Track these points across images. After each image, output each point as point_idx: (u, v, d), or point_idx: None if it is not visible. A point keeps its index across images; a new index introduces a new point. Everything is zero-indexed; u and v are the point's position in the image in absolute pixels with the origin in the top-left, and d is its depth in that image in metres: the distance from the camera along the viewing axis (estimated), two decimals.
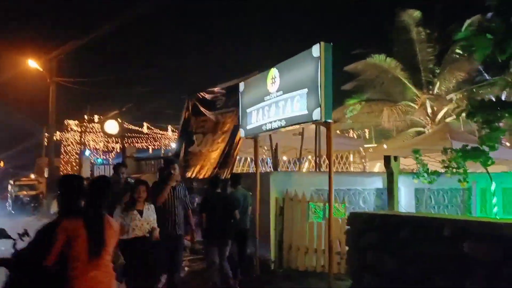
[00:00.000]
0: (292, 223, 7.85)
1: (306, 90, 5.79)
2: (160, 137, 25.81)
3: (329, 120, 5.56)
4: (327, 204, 7.82)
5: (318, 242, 7.83)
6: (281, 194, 7.96)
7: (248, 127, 7.51)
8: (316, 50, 5.61)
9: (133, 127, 22.87)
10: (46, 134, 24.99)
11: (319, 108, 5.49)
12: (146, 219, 5.13)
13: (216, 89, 11.01)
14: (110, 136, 20.08)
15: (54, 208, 19.02)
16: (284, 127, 6.39)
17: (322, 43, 5.54)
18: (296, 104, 6.01)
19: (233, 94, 10.20)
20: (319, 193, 8.17)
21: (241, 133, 7.83)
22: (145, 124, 24.30)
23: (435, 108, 20.52)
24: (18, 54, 20.47)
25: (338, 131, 14.72)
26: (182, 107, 12.03)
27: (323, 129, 9.62)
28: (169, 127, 24.90)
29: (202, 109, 11.30)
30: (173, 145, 29.46)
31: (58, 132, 23.51)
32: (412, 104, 20.61)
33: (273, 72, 6.69)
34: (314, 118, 5.60)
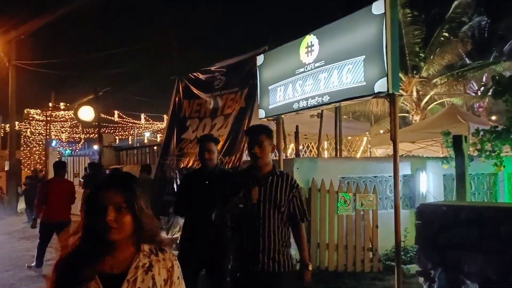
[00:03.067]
0: (320, 216, 6.87)
1: (363, 57, 4.77)
2: (131, 127, 24.22)
3: (397, 92, 4.57)
4: (357, 195, 6.98)
5: (349, 238, 6.92)
6: (306, 183, 6.95)
7: (271, 106, 6.43)
8: (378, 6, 4.58)
9: (104, 116, 21.18)
10: (4, 124, 22.90)
11: (384, 78, 4.48)
12: None
13: (212, 68, 9.80)
14: (84, 124, 18.44)
15: (21, 206, 17.22)
16: (328, 103, 5.36)
17: None
18: (347, 75, 4.98)
19: (236, 72, 9.07)
20: (345, 182, 7.24)
21: (260, 114, 6.74)
22: (116, 112, 22.67)
23: (420, 93, 20.07)
24: None
25: (345, 116, 13.85)
26: (162, 91, 10.79)
27: (343, 109, 8.75)
28: (142, 116, 23.36)
29: (196, 91, 10.07)
30: (147, 134, 28.06)
31: (17, 122, 21.46)
32: None
33: (309, 39, 5.62)
34: (376, 90, 4.59)
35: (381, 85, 4.52)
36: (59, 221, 7.09)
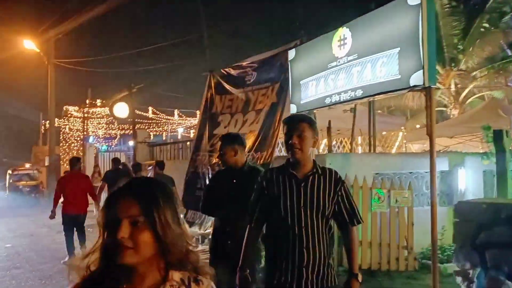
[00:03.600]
0: None
1: (397, 49, 4.62)
2: (164, 122, 24.57)
3: (433, 85, 4.40)
4: (392, 191, 6.81)
5: (383, 235, 6.76)
6: None
7: (303, 101, 6.35)
8: None
9: (138, 112, 21.58)
10: (44, 121, 23.67)
11: (420, 71, 4.32)
12: None
13: (244, 64, 9.77)
14: (120, 120, 18.87)
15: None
16: (361, 98, 5.23)
17: None
18: (381, 69, 4.84)
19: (268, 67, 8.99)
20: (379, 178, 7.07)
21: (292, 109, 6.67)
22: (150, 108, 23.05)
23: (459, 86, 19.41)
24: (12, 34, 19.00)
25: (379, 111, 13.54)
26: (195, 87, 10.83)
27: (377, 104, 8.54)
28: (176, 111, 23.65)
29: (227, 86, 10.07)
30: (180, 130, 28.36)
31: (56, 119, 22.15)
32: None
33: (342, 32, 5.50)
34: (412, 84, 4.44)
35: (416, 78, 4.37)
36: (76, 215, 7.52)
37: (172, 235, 1.24)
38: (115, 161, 10.95)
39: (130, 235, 1.20)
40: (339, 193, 2.64)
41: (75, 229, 7.62)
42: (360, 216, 2.73)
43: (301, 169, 2.61)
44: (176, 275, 1.27)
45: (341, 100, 5.52)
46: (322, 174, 2.64)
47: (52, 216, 7.85)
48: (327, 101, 5.78)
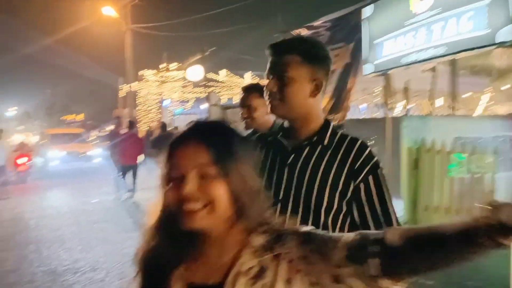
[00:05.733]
0: (430, 178, 6.48)
1: (486, 1, 4.24)
2: (236, 85, 24.84)
3: None
4: (472, 156, 6.43)
5: (462, 201, 6.45)
6: (415, 143, 6.56)
7: (378, 61, 6.09)
8: None
9: (211, 75, 21.94)
10: (122, 85, 24.83)
11: (510, 26, 3.96)
12: None
13: (316, 24, 9.52)
14: (193, 83, 19.36)
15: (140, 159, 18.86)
16: (442, 56, 4.92)
17: None
18: (467, 24, 4.49)
19: (341, 27, 8.71)
20: (460, 142, 6.69)
21: (366, 69, 6.44)
22: (222, 71, 23.34)
23: None
24: (93, 1, 19.93)
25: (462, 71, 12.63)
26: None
27: (460, 64, 7.98)
28: (248, 74, 23.76)
29: None
30: None
31: (134, 83, 23.18)
32: None
33: None
34: (499, 40, 4.08)
35: (506, 33, 4.00)
36: (128, 165, 9.69)
37: (250, 191, 0.97)
38: (163, 126, 11.43)
39: (198, 190, 0.93)
40: (361, 184, 1.44)
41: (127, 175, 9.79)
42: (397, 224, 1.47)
43: (294, 134, 1.54)
44: (257, 240, 0.99)
45: (420, 59, 5.23)
46: (331, 144, 1.48)
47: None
48: (404, 60, 5.50)
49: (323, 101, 5.76)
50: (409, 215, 6.56)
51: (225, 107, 15.52)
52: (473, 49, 4.50)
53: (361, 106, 13.30)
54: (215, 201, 0.93)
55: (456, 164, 6.43)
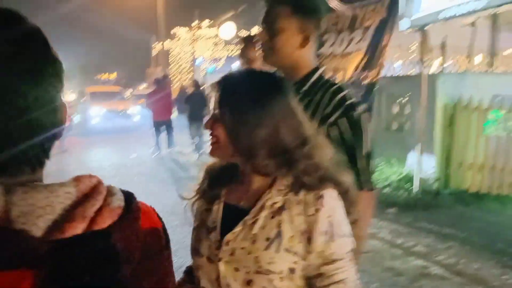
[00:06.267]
0: (465, 136, 6.45)
1: None
2: None
3: None
4: (510, 113, 6.33)
5: (497, 159, 6.42)
6: (451, 100, 6.49)
7: (415, 16, 5.97)
8: None
9: (244, 33, 21.79)
10: (154, 43, 24.99)
11: None
12: None
13: None
14: (226, 41, 19.34)
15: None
16: (484, 9, 4.80)
17: None
18: None
19: None
20: (498, 99, 6.57)
21: (402, 25, 6.32)
22: (253, 28, 23.08)
23: None
24: None
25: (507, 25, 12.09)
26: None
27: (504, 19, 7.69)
28: None
29: (333, 3, 9.70)
30: None
31: (168, 40, 23.28)
32: None
33: None
34: None
35: None
36: (162, 121, 10.18)
37: (248, 135, 1.11)
38: (195, 84, 11.52)
39: (210, 128, 1.18)
40: (333, 126, 1.52)
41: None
42: (371, 182, 1.56)
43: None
44: (285, 180, 1.12)
45: (459, 13, 5.11)
46: (310, 90, 1.59)
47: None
48: (442, 15, 5.38)
49: (356, 57, 5.73)
50: (442, 172, 6.59)
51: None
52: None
53: (396, 64, 13.05)
54: (216, 137, 1.16)
55: (493, 122, 6.36)
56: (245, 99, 1.14)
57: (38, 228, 0.56)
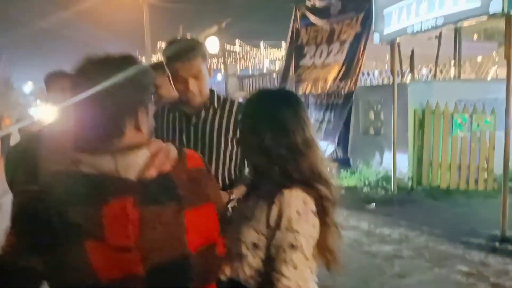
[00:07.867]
0: (433, 137, 7.12)
1: None
2: (249, 56, 25.31)
3: None
4: (473, 116, 7.04)
5: (463, 158, 7.10)
6: (420, 106, 7.18)
7: (386, 31, 6.64)
8: None
9: (227, 47, 22.42)
10: (140, 56, 25.41)
11: None
12: None
13: None
14: (210, 55, 19.84)
15: None
16: (442, 26, 5.48)
17: None
18: None
19: None
20: (462, 104, 7.27)
21: (375, 38, 6.98)
22: (237, 41, 23.77)
23: None
24: None
25: (475, 34, 12.92)
26: (281, 20, 11.22)
27: (472, 28, 8.44)
28: (262, 43, 24.14)
29: (312, 18, 10.41)
30: (266, 64, 29.09)
31: (152, 55, 23.76)
32: None
33: None
34: (492, 11, 4.64)
35: (496, 5, 4.56)
36: None
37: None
38: None
39: None
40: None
41: None
42: None
43: (190, 104, 2.01)
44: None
45: (423, 29, 5.78)
46: (219, 106, 2.06)
47: None
48: (409, 30, 6.06)
49: (335, 68, 6.46)
50: (415, 170, 7.25)
51: (242, 77, 16.19)
52: (466, 19, 5.05)
53: (373, 73, 13.79)
54: None
55: (458, 124, 7.06)
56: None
57: (131, 175, 1.04)
